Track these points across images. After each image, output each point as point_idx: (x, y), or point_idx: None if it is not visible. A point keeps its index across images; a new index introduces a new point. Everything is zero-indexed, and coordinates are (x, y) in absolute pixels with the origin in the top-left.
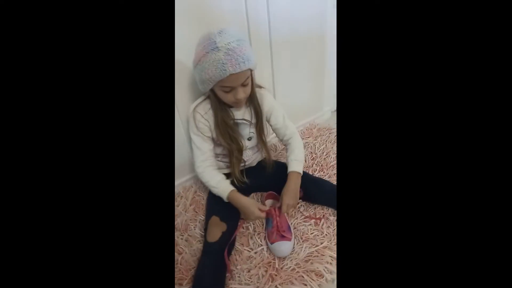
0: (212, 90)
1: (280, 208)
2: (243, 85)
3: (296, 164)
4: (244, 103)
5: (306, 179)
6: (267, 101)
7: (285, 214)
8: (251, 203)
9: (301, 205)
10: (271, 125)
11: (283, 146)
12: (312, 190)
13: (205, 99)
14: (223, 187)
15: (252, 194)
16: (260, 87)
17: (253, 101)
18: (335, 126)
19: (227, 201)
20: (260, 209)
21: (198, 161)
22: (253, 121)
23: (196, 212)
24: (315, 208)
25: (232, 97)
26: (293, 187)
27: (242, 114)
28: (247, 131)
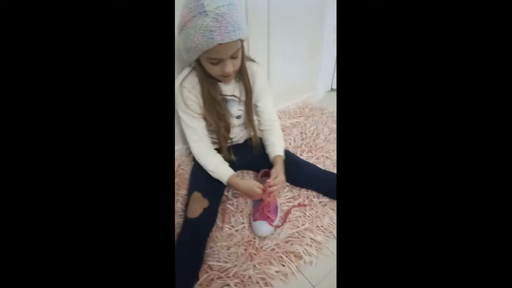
0: (198, 61)
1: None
2: (233, 57)
3: (279, 148)
4: (234, 77)
5: (291, 161)
6: (259, 80)
7: (275, 195)
8: (251, 185)
9: (286, 185)
10: (257, 106)
11: None
12: (295, 173)
13: (191, 71)
14: (222, 172)
15: (238, 172)
16: (253, 61)
17: (243, 77)
18: (328, 107)
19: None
20: (260, 188)
21: (191, 141)
22: (242, 98)
23: (179, 186)
24: (299, 189)
25: (220, 70)
26: (281, 171)
27: (231, 90)
28: (236, 108)
